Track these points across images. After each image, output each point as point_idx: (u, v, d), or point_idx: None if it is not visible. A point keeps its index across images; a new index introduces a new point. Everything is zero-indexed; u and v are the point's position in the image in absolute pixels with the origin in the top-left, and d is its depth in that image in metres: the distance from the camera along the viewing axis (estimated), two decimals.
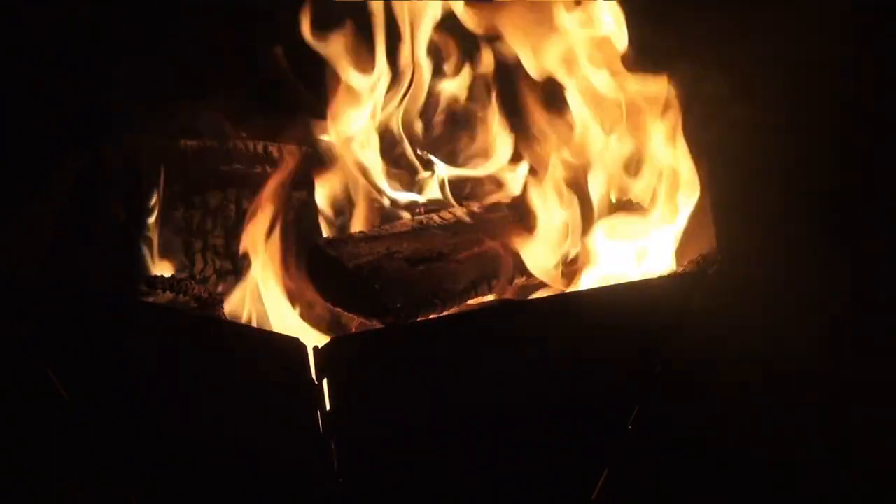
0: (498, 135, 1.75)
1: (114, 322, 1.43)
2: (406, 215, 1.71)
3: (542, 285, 1.63)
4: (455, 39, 1.76)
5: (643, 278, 1.59)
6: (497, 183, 1.75)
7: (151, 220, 1.67)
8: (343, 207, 1.75)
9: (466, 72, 1.79)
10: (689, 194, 1.60)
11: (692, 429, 1.80)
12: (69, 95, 1.91)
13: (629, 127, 1.65)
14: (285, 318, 1.54)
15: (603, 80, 1.64)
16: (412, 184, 1.76)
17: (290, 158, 1.69)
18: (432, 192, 1.76)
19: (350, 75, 1.69)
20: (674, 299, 1.50)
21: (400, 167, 1.76)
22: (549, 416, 1.46)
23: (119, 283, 1.64)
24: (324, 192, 1.74)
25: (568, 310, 1.46)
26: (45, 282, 1.50)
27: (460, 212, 1.67)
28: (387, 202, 1.72)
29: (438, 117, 1.82)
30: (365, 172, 1.71)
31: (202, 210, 1.70)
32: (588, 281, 1.61)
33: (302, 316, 1.55)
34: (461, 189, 1.79)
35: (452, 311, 1.49)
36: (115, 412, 1.52)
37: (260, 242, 1.56)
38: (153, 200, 1.67)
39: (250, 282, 1.58)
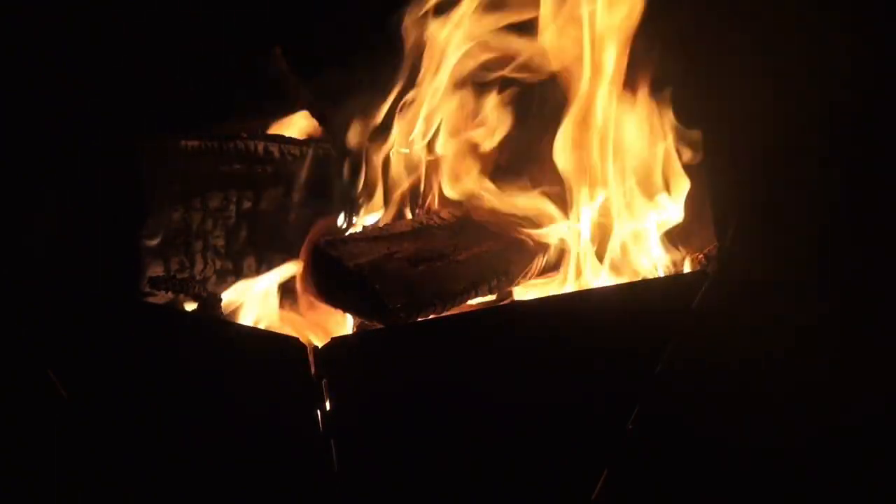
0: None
1: (114, 322, 1.43)
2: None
3: (542, 285, 1.63)
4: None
5: (643, 278, 1.59)
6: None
7: (152, 220, 1.67)
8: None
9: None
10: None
11: (692, 429, 1.80)
12: (70, 95, 1.91)
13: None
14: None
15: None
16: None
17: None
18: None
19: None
20: (674, 299, 1.50)
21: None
22: (550, 416, 1.46)
23: (119, 283, 1.64)
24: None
25: (568, 310, 1.46)
26: (45, 282, 1.50)
27: (460, 211, 1.67)
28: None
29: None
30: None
31: (202, 211, 1.70)
32: (589, 280, 1.61)
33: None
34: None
35: (452, 311, 1.49)
36: (115, 412, 1.52)
37: None
38: (154, 201, 1.67)
39: None
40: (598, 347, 1.44)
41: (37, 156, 1.77)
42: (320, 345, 1.28)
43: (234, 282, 1.72)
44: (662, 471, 1.74)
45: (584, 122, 1.65)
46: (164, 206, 1.67)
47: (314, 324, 1.56)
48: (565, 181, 1.65)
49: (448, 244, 1.57)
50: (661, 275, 1.61)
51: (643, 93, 1.64)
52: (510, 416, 1.43)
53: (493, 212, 1.65)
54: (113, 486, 1.58)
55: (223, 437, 1.43)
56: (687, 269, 1.58)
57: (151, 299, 1.62)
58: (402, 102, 1.73)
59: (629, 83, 1.64)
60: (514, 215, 1.64)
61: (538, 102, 1.72)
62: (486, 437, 1.44)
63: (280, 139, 1.75)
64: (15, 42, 1.89)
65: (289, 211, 1.75)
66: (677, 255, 1.63)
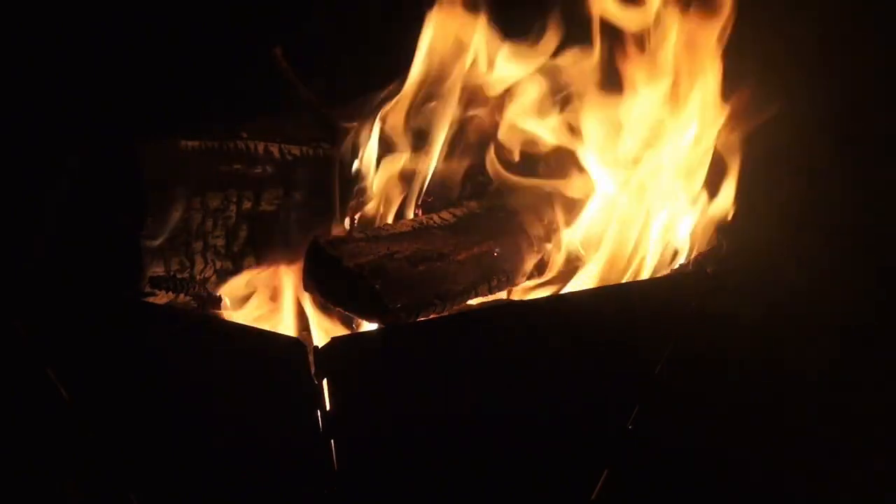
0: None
1: (114, 322, 1.43)
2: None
3: (542, 285, 1.63)
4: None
5: (643, 278, 1.59)
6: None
7: (152, 220, 1.67)
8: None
9: None
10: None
11: (692, 429, 1.80)
12: (69, 95, 1.91)
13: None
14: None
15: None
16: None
17: None
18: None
19: None
20: (674, 299, 1.50)
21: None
22: (550, 416, 1.46)
23: (119, 283, 1.64)
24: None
25: (568, 310, 1.46)
26: (45, 281, 1.50)
27: (460, 211, 1.67)
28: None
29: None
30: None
31: (202, 211, 1.70)
32: (589, 280, 1.61)
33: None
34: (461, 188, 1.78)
35: (452, 311, 1.49)
36: (115, 412, 1.52)
37: None
38: (154, 201, 1.67)
39: None
40: (598, 347, 1.44)
41: (37, 156, 1.77)
42: (320, 345, 1.28)
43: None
44: (662, 471, 1.74)
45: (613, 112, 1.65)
46: (164, 206, 1.67)
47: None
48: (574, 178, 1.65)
49: (448, 244, 1.57)
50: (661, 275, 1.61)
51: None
52: (510, 417, 1.43)
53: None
54: (113, 486, 1.58)
55: (223, 436, 1.43)
56: (687, 269, 1.58)
57: (151, 299, 1.62)
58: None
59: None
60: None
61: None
62: (485, 437, 1.44)
63: (280, 139, 1.75)
64: (15, 42, 1.89)
65: (289, 211, 1.75)
66: (678, 255, 1.62)
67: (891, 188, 2.03)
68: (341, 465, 1.35)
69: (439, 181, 1.74)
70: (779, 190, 1.90)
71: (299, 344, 1.28)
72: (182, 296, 1.62)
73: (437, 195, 1.75)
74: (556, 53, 1.68)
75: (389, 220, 1.71)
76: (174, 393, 1.43)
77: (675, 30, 1.61)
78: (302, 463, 1.39)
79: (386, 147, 1.73)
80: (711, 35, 1.59)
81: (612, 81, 1.65)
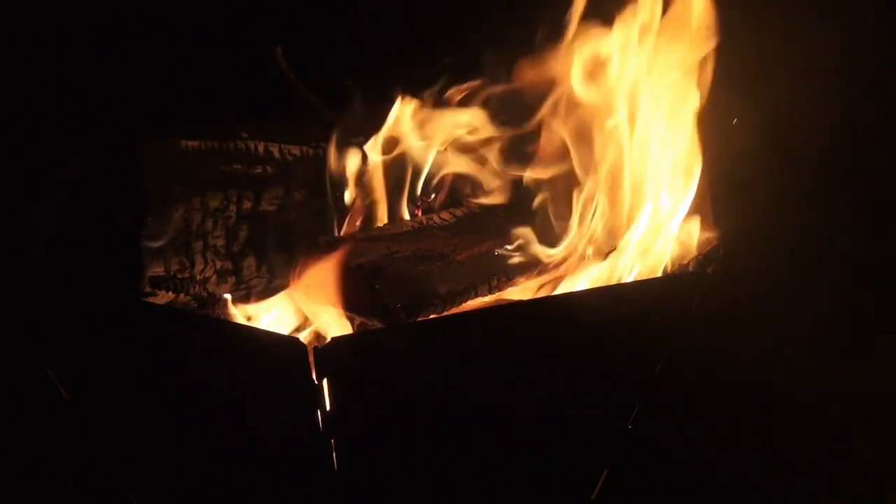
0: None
1: (114, 322, 1.43)
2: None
3: (542, 285, 1.63)
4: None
5: (643, 278, 1.59)
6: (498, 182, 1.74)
7: (152, 220, 1.67)
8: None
9: None
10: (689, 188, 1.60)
11: (692, 429, 1.80)
12: (70, 95, 1.91)
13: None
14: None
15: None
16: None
17: None
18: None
19: None
20: (674, 299, 1.50)
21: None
22: (550, 416, 1.46)
23: (119, 283, 1.64)
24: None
25: (568, 310, 1.46)
26: (45, 281, 1.50)
27: (460, 211, 1.67)
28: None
29: None
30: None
31: (202, 211, 1.70)
32: (588, 280, 1.61)
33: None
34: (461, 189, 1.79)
35: (452, 310, 1.49)
36: (115, 412, 1.52)
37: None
38: (154, 201, 1.67)
39: None
40: (598, 347, 1.44)
41: (37, 156, 1.77)
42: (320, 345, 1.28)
43: (234, 282, 1.72)
44: (662, 471, 1.74)
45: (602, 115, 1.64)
46: (164, 206, 1.67)
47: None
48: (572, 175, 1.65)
49: (448, 244, 1.57)
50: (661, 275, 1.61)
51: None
52: (510, 417, 1.43)
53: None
54: (113, 486, 1.58)
55: (223, 437, 1.43)
56: (687, 269, 1.58)
57: (151, 299, 1.62)
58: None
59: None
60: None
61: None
62: (485, 438, 1.44)
63: (280, 139, 1.75)
64: (15, 41, 1.89)
65: (289, 211, 1.76)
66: (679, 254, 1.62)
67: (890, 187, 2.03)
68: (341, 465, 1.35)
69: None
70: (778, 189, 1.90)
71: (299, 344, 1.28)
72: (182, 296, 1.62)
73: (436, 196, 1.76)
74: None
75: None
76: (174, 393, 1.43)
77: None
78: (302, 463, 1.39)
79: (386, 147, 1.74)
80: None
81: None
